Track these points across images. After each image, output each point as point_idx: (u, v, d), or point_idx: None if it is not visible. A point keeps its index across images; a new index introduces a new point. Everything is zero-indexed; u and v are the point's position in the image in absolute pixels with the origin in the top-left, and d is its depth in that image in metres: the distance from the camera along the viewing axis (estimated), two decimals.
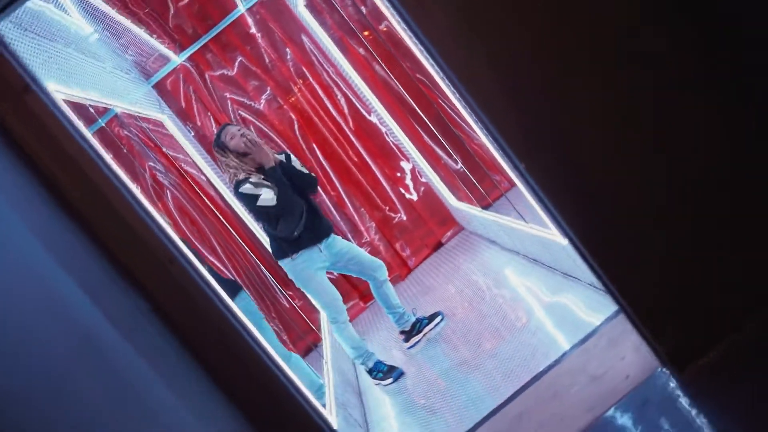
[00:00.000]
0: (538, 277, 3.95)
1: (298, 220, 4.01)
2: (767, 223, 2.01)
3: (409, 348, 4.37)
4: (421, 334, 4.36)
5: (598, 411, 2.25)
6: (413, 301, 5.25)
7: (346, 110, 6.01)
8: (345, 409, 3.62)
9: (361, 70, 5.67)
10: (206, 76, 5.91)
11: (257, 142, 3.97)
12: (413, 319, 4.42)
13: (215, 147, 4.04)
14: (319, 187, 4.73)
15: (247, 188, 3.90)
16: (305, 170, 4.12)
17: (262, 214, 3.99)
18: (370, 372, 4.24)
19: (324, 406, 3.68)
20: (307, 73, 5.95)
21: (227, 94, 5.95)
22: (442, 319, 4.38)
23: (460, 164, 5.77)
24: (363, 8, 5.59)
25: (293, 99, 5.98)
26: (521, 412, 2.64)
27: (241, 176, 3.94)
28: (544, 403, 2.59)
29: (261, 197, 3.88)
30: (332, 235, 4.22)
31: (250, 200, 3.93)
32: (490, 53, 1.85)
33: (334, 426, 2.69)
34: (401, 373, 4.16)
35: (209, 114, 5.94)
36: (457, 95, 1.95)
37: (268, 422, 2.09)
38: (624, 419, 2.14)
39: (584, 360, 2.65)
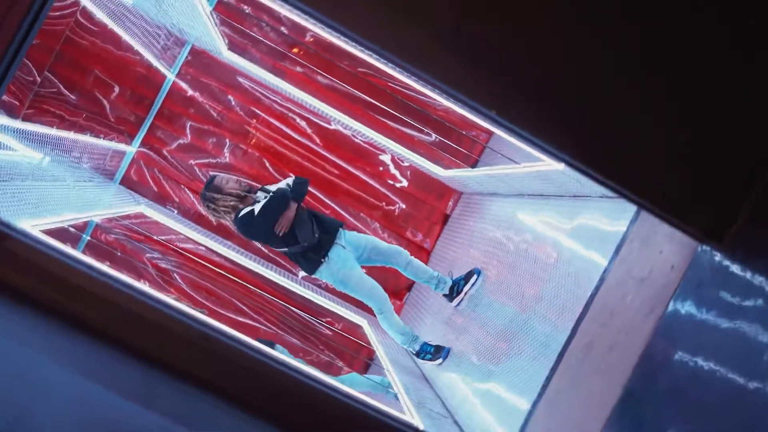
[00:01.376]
0: (550, 209, 3.94)
1: (311, 224, 4.15)
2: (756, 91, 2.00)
3: (456, 306, 4.42)
4: (462, 294, 4.40)
5: (659, 310, 2.23)
6: None
7: (308, 130, 6.00)
8: (424, 406, 3.61)
9: (305, 86, 5.66)
10: (164, 152, 5.90)
11: (253, 184, 4.23)
12: (450, 282, 4.48)
13: (206, 195, 4.16)
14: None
15: (256, 209, 4.07)
16: (297, 180, 4.32)
17: (279, 237, 4.10)
18: (417, 354, 4.35)
19: (395, 397, 3.70)
20: (256, 110, 5.94)
21: (191, 161, 5.94)
22: (478, 276, 4.39)
23: (434, 135, 5.74)
24: (283, 28, 5.56)
25: (254, 140, 5.97)
26: (588, 341, 2.63)
27: (246, 209, 4.11)
28: (605, 324, 2.58)
29: (265, 203, 4.09)
30: (344, 229, 4.37)
31: (265, 220, 4.04)
32: (418, 23, 1.84)
33: (421, 427, 2.68)
34: (449, 351, 4.24)
35: (182, 186, 5.93)
36: (405, 72, 1.94)
37: None
38: (687, 307, 2.13)
39: (626, 268, 2.64)
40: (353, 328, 5.67)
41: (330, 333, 5.65)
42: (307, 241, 4.13)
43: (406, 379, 4.18)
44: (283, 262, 5.86)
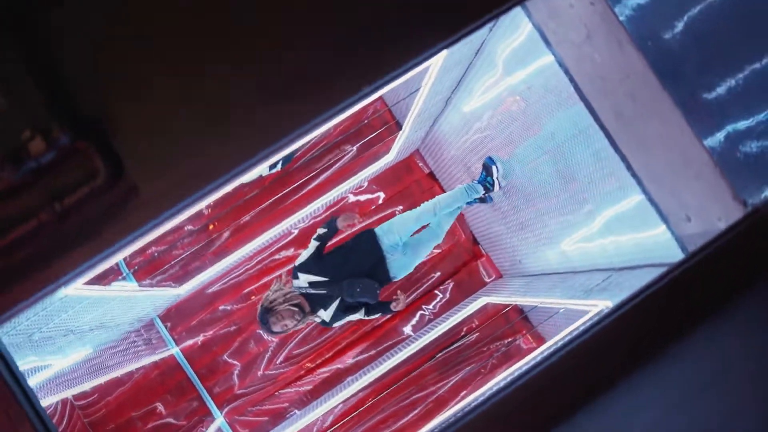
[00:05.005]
0: (475, 78, 3.91)
1: (359, 273, 4.06)
2: None
3: (500, 189, 4.48)
4: (495, 180, 4.43)
5: (622, 38, 2.20)
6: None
7: (290, 253, 5.98)
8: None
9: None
10: (240, 392, 5.88)
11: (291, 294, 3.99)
12: (477, 186, 4.51)
13: (268, 322, 3.98)
14: None
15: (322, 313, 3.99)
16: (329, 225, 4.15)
17: (350, 304, 4.04)
18: (485, 190, 4.49)
19: None
20: (247, 289, 5.92)
21: (260, 373, 5.91)
22: (492, 161, 4.37)
23: (354, 148, 5.73)
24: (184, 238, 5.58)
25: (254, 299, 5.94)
26: (613, 112, 2.59)
27: (307, 309, 3.99)
28: (606, 91, 2.53)
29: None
30: (376, 234, 4.24)
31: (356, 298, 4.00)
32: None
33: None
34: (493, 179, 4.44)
35: (279, 392, 5.90)
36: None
37: None
38: (628, 10, 2.10)
39: (572, 51, 2.60)
40: (483, 312, 5.62)
41: (477, 335, 5.60)
42: (379, 281, 4.09)
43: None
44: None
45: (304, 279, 3.97)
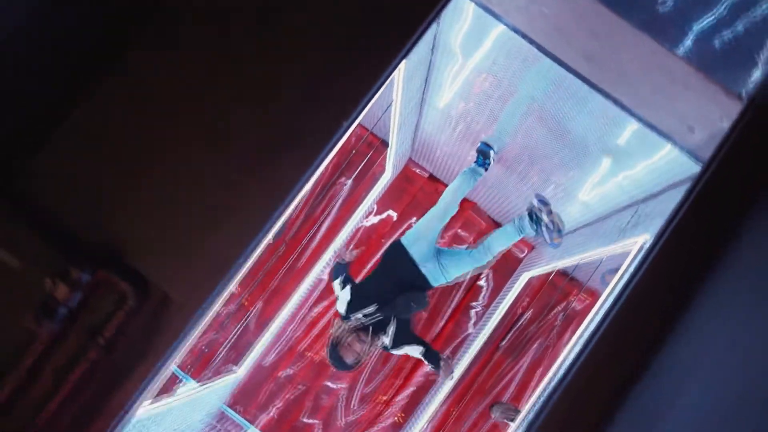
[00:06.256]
0: (440, 71, 3.94)
1: (402, 286, 4.05)
2: None
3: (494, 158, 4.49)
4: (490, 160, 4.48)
5: None
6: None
7: (328, 301, 5.99)
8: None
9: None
10: None
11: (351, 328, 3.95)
12: (477, 168, 4.52)
13: (341, 359, 3.96)
14: None
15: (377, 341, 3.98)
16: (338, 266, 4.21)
17: (409, 319, 4.06)
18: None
19: None
20: (287, 350, 5.94)
21: (341, 423, 5.91)
22: (489, 148, 4.42)
23: (348, 182, 5.76)
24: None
25: (310, 353, 5.95)
26: (587, 57, 2.59)
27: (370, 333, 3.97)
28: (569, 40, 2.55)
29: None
30: (403, 245, 4.20)
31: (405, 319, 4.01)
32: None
33: None
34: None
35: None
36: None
37: None
38: None
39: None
40: (530, 288, 5.60)
41: (532, 311, 5.57)
42: (420, 287, 4.09)
43: None
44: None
45: (355, 317, 3.99)
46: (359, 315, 3.97)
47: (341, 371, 4.34)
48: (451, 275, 4.23)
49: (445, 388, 5.29)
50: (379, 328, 3.98)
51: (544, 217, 4.07)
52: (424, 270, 4.14)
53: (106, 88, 1.81)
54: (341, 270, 4.17)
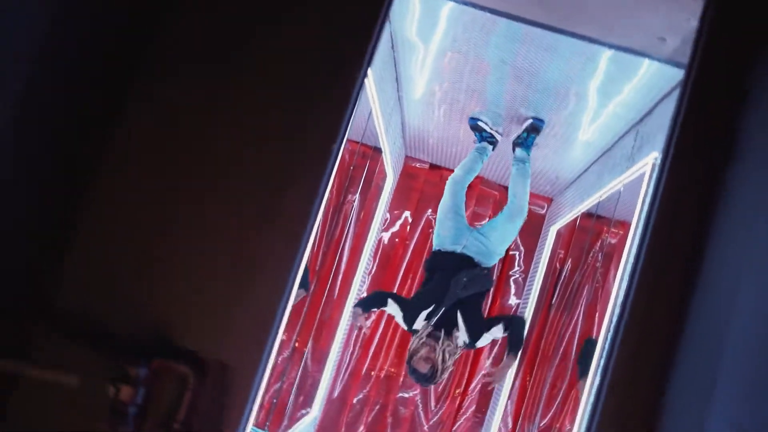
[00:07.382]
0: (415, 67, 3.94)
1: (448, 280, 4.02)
2: None
3: (501, 135, 4.56)
4: (493, 137, 4.52)
5: None
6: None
7: (374, 316, 6.01)
8: None
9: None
10: None
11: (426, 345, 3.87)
12: (481, 145, 4.57)
13: (411, 366, 3.91)
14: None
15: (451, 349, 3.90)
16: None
17: (476, 304, 4.03)
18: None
19: None
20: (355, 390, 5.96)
21: None
22: (476, 121, 4.44)
23: (356, 197, 5.77)
24: None
25: (378, 374, 5.97)
26: None
27: (440, 334, 3.91)
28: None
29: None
30: (441, 251, 4.20)
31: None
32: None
33: None
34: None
35: None
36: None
37: None
38: None
39: None
40: (560, 240, 5.58)
41: (571, 261, 5.56)
42: (480, 280, 4.06)
43: None
44: None
45: (420, 324, 3.94)
46: (421, 320, 3.91)
47: (426, 385, 4.23)
48: (492, 242, 4.16)
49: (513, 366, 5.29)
50: (449, 326, 3.88)
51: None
52: (464, 250, 4.08)
53: (106, 193, 1.85)
54: (368, 303, 4.15)
